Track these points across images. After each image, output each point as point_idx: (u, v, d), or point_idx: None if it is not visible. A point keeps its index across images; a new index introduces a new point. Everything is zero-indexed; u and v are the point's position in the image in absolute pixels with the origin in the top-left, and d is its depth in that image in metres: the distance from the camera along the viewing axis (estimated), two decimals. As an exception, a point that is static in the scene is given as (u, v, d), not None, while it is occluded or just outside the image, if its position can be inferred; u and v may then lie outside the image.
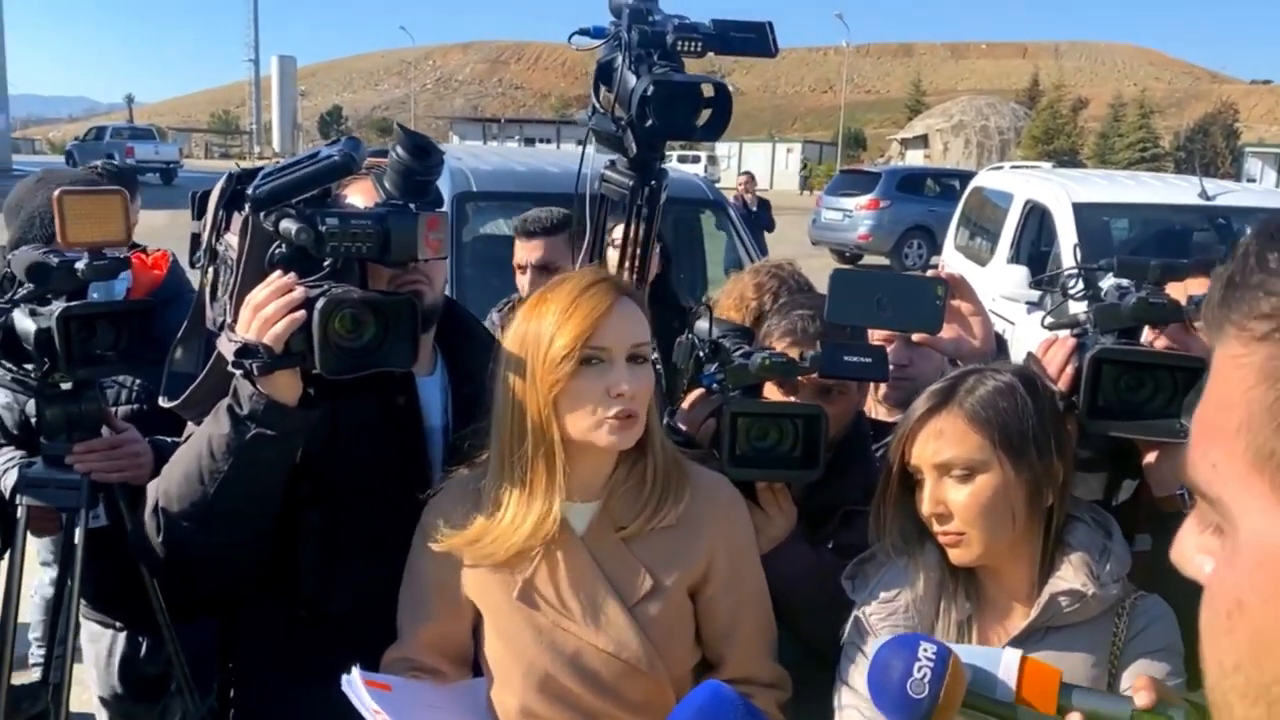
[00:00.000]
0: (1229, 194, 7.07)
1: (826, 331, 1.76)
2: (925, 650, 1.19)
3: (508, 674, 1.46)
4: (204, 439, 1.50)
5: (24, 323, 1.75)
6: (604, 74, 1.63)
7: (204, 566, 1.59)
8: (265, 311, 1.42)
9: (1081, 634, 1.33)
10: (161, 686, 2.34)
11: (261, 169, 1.57)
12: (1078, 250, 1.99)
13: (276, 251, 1.49)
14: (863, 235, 17.34)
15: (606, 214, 1.77)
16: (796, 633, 1.64)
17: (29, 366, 1.79)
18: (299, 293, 1.44)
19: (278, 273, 1.47)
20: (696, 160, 37.43)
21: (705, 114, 1.59)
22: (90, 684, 2.48)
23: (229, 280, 1.55)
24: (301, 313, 1.43)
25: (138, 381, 2.15)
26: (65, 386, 1.83)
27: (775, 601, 1.57)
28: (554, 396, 1.39)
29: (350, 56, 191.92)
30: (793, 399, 1.72)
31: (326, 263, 1.49)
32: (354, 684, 1.36)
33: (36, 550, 2.79)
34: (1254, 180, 29.04)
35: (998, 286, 6.37)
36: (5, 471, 2.01)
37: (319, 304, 1.43)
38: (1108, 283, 1.65)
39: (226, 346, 1.44)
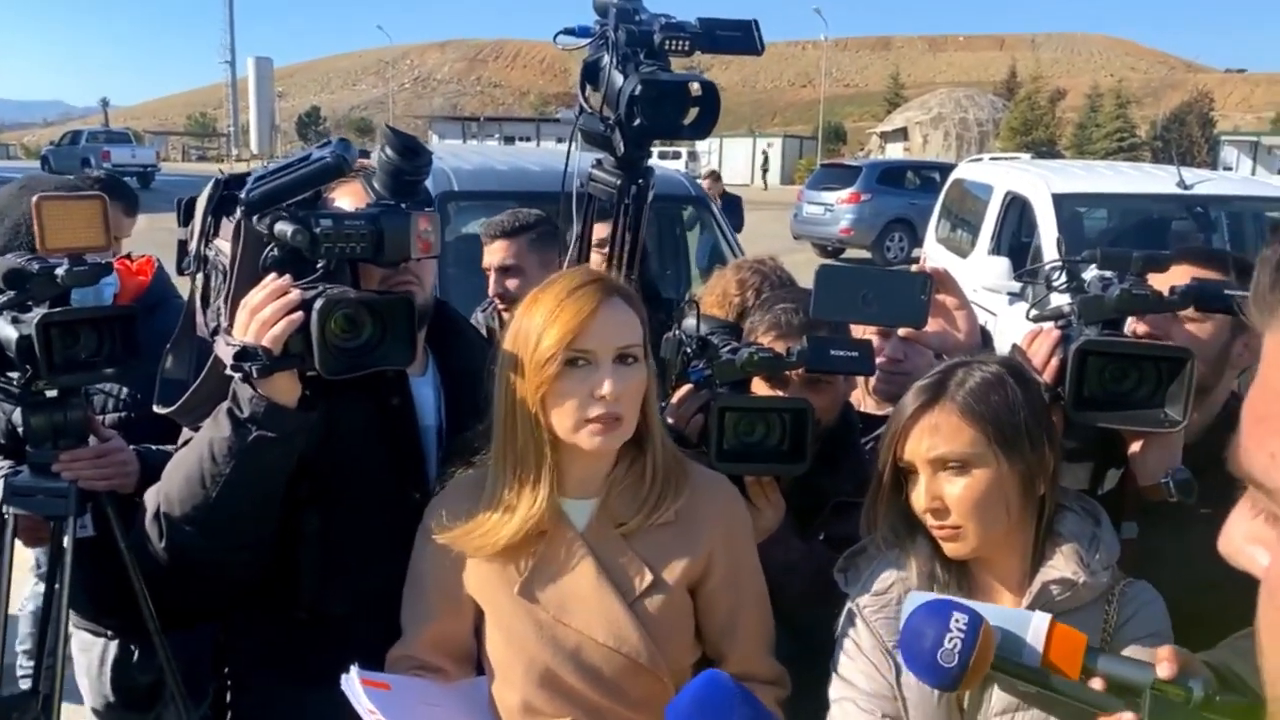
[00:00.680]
0: (1206, 182, 7.14)
1: (810, 323, 1.77)
2: (958, 620, 1.23)
3: (509, 670, 1.46)
4: (204, 443, 1.50)
5: (5, 330, 1.74)
6: (590, 74, 1.63)
7: (206, 571, 1.59)
8: (263, 314, 1.43)
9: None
10: (154, 695, 2.33)
11: (248, 174, 1.57)
12: (1061, 243, 2.00)
13: (270, 255, 1.50)
14: (844, 229, 17.40)
15: (594, 213, 1.77)
16: (788, 625, 1.65)
17: (13, 375, 1.78)
18: (295, 294, 1.44)
19: (272, 275, 1.47)
20: (677, 156, 37.44)
21: (693, 112, 1.59)
22: (83, 694, 2.47)
23: (221, 285, 1.54)
24: (299, 314, 1.43)
25: (124, 390, 2.14)
26: (50, 394, 1.82)
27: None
28: (541, 396, 1.40)
29: (327, 57, 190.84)
30: (780, 393, 1.73)
31: (320, 264, 1.49)
32: (352, 683, 1.36)
33: (35, 561, 2.78)
34: (1230, 168, 29.33)
35: (979, 278, 6.41)
36: (-5, 480, 2.00)
37: (316, 305, 1.44)
38: (1090, 274, 1.67)
39: (224, 350, 1.44)
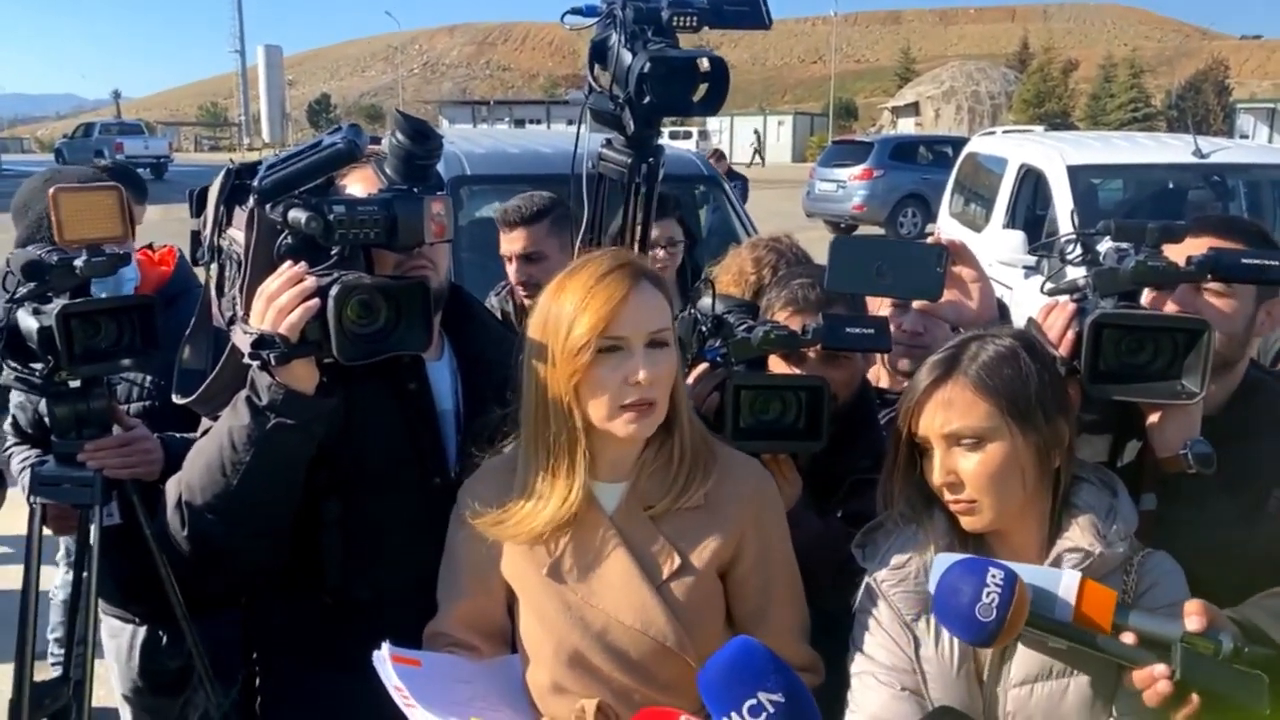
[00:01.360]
0: (1223, 151, 7.06)
1: (827, 298, 1.77)
2: (994, 576, 1.26)
3: (540, 650, 1.48)
4: (224, 432, 1.51)
5: (27, 321, 1.76)
6: (599, 52, 1.63)
7: (228, 558, 1.61)
8: (279, 301, 1.43)
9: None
10: (184, 680, 2.36)
11: (259, 162, 1.58)
12: (1075, 215, 1.99)
13: (284, 242, 1.50)
14: (857, 205, 17.31)
15: (606, 193, 1.77)
16: (809, 603, 1.66)
17: (36, 365, 1.80)
18: (311, 281, 1.45)
19: (288, 263, 1.48)
20: (688, 136, 37.29)
21: (702, 88, 1.59)
22: (112, 680, 2.51)
23: (235, 275, 1.55)
24: (316, 301, 1.44)
25: (148, 378, 2.16)
26: (74, 384, 1.84)
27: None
28: (575, 384, 1.40)
29: (336, 44, 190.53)
30: (797, 371, 1.74)
31: (334, 251, 1.50)
32: (383, 660, 1.38)
33: (65, 549, 2.81)
34: (1246, 136, 28.97)
35: (994, 252, 6.37)
36: (23, 470, 2.03)
37: (332, 291, 1.45)
38: (1105, 246, 1.66)
39: (241, 339, 1.46)
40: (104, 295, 1.83)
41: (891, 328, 1.85)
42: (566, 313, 1.39)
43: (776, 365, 1.74)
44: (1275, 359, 2.54)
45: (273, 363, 1.44)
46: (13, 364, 1.82)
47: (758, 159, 44.71)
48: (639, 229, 1.72)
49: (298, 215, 1.47)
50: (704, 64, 1.57)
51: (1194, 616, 1.25)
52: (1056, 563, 1.41)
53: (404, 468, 1.66)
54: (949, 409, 1.41)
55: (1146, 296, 1.64)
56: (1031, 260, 6.06)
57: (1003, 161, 7.70)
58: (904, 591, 1.46)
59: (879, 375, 2.11)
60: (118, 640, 2.44)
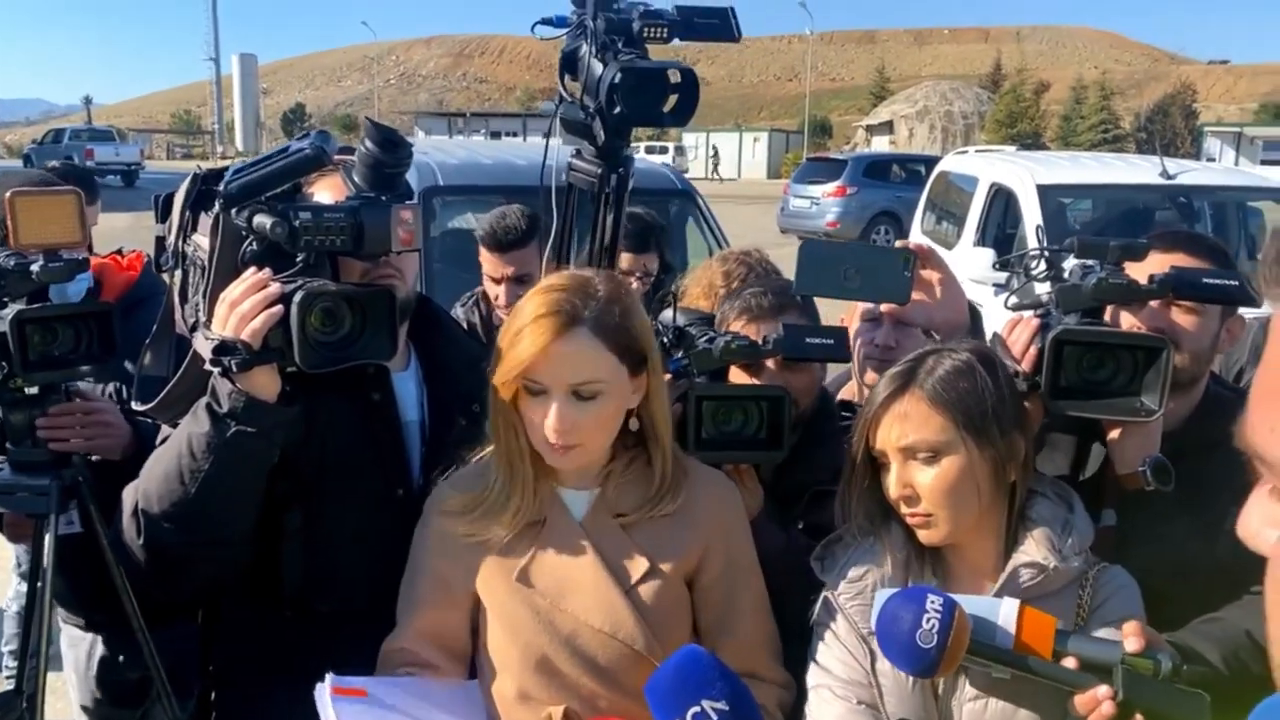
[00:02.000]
0: (1189, 173, 7.19)
1: (780, 305, 1.78)
2: (933, 602, 1.25)
3: (506, 658, 1.46)
4: (183, 439, 1.49)
5: (-20, 327, 1.73)
6: (569, 63, 1.63)
7: (184, 568, 1.58)
8: (242, 308, 1.42)
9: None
10: (143, 692, 2.32)
11: (225, 169, 1.56)
12: (1041, 232, 2.01)
13: (249, 248, 1.49)
14: (831, 222, 17.46)
15: (575, 204, 1.77)
16: (775, 616, 1.65)
17: (-9, 372, 1.76)
18: (275, 288, 1.44)
19: (251, 269, 1.46)
20: (664, 151, 37.44)
21: (672, 100, 1.59)
22: (71, 692, 2.46)
23: (199, 281, 1.54)
24: (279, 308, 1.43)
25: (109, 388, 2.13)
26: (30, 391, 1.81)
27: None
28: (514, 405, 1.43)
29: (312, 53, 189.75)
30: (756, 380, 1.74)
31: (299, 258, 1.49)
32: (322, 695, 1.35)
33: (16, 559, 2.76)
34: (1213, 159, 29.44)
35: (965, 270, 6.42)
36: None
37: (296, 298, 1.43)
38: (1070, 263, 1.68)
39: (203, 345, 1.44)
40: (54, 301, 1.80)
41: (864, 342, 1.86)
42: (505, 342, 1.41)
43: (735, 374, 1.75)
44: (1237, 375, 2.58)
45: (234, 369, 1.42)
46: (-32, 370, 1.78)
47: (716, 175, 44.91)
48: (608, 238, 1.71)
49: (263, 221, 1.46)
50: (674, 75, 1.58)
51: (1132, 638, 1.26)
52: (1012, 576, 1.42)
53: (367, 479, 1.65)
54: (905, 422, 1.41)
55: (1109, 313, 1.65)
56: (1001, 278, 6.12)
57: (974, 180, 7.78)
58: (860, 605, 1.46)
59: (854, 391, 2.11)
60: (76, 650, 2.40)
